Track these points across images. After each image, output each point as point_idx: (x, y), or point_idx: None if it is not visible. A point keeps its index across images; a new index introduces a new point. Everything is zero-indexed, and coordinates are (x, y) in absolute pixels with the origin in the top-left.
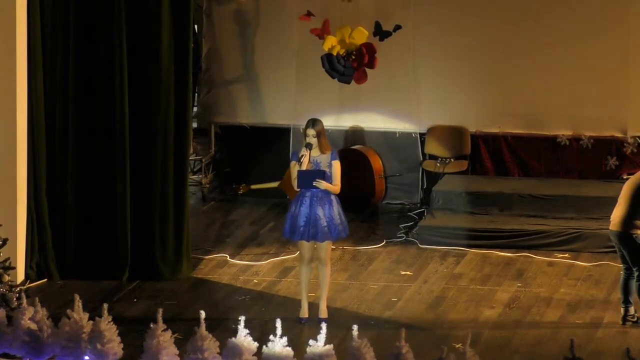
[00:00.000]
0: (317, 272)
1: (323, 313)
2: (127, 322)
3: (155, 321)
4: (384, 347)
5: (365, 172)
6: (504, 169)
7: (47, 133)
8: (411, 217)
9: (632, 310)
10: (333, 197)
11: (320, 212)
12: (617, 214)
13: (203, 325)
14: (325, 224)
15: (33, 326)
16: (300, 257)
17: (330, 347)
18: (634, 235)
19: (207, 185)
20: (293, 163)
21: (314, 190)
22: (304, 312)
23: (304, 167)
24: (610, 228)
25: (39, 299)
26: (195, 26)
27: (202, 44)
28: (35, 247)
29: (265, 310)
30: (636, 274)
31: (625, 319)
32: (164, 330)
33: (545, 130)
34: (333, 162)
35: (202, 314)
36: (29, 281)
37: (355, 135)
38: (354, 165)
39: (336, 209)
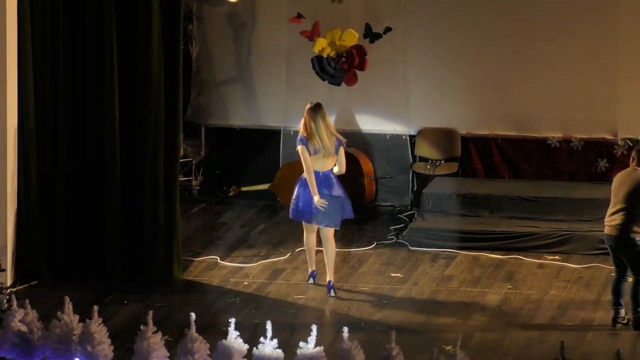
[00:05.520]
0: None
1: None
2: (118, 324)
3: (145, 323)
4: (375, 349)
5: (356, 174)
6: (494, 171)
7: (37, 135)
8: (401, 219)
9: (622, 312)
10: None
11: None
12: (615, 218)
13: (193, 327)
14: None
15: (23, 328)
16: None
17: (320, 349)
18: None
19: (198, 187)
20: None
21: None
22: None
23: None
24: (606, 232)
25: (29, 301)
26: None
27: (192, 46)
28: (26, 249)
29: (256, 312)
30: (634, 277)
31: (615, 321)
32: (154, 332)
33: (536, 132)
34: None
35: (193, 316)
36: (19, 283)
37: (346, 137)
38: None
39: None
